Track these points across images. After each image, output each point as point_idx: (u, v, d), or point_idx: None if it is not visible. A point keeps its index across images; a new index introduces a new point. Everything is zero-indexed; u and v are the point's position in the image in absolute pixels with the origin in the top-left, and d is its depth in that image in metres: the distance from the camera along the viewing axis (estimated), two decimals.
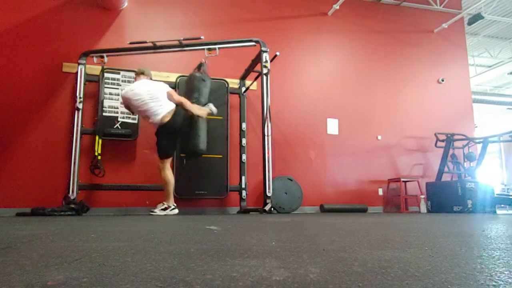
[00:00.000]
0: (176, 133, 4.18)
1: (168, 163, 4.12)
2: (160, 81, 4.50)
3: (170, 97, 4.19)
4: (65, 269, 0.69)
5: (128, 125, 4.87)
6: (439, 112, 6.82)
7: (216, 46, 4.60)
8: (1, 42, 4.88)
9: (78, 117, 4.63)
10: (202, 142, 4.43)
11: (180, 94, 4.42)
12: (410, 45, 7.00)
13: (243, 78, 5.46)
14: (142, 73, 4.31)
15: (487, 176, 8.46)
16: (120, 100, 4.59)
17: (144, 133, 5.00)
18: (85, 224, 2.19)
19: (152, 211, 4.06)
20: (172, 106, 4.12)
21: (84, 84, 4.75)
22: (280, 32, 6.18)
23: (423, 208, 5.88)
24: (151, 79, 4.41)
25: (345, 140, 6.16)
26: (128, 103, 4.19)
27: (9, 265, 0.75)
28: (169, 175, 4.10)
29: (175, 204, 4.10)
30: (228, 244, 1.11)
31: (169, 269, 0.70)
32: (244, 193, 5.19)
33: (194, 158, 4.79)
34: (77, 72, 4.74)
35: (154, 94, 4.10)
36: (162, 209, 4.03)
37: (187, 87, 4.62)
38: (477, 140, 6.35)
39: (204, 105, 4.44)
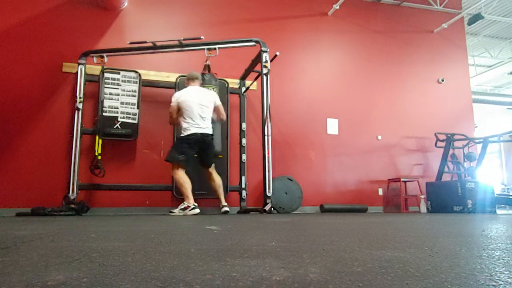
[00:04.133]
0: (197, 150, 4.14)
1: (178, 166, 4.06)
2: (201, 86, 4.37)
3: (217, 111, 4.24)
4: (65, 269, 0.69)
5: (128, 125, 4.87)
6: (439, 112, 6.82)
7: (216, 46, 4.60)
8: (1, 42, 4.88)
9: (78, 117, 4.63)
10: (217, 144, 4.59)
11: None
12: (410, 45, 7.00)
13: (243, 78, 5.46)
14: (197, 78, 4.28)
15: (487, 176, 8.46)
16: (174, 102, 4.14)
17: (144, 133, 5.01)
18: (85, 224, 2.19)
19: (172, 211, 4.00)
20: (209, 124, 4.15)
21: (84, 84, 4.75)
22: (280, 32, 6.18)
23: (423, 208, 5.88)
24: (201, 85, 4.40)
25: (345, 140, 6.16)
26: (180, 106, 4.10)
27: (9, 265, 0.74)
28: (181, 175, 4.02)
29: (195, 204, 3.97)
30: (228, 244, 1.11)
31: (169, 269, 0.70)
32: (244, 193, 5.19)
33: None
34: (77, 72, 4.74)
35: (204, 104, 4.12)
36: (181, 209, 3.95)
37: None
38: (477, 140, 6.35)
39: None
